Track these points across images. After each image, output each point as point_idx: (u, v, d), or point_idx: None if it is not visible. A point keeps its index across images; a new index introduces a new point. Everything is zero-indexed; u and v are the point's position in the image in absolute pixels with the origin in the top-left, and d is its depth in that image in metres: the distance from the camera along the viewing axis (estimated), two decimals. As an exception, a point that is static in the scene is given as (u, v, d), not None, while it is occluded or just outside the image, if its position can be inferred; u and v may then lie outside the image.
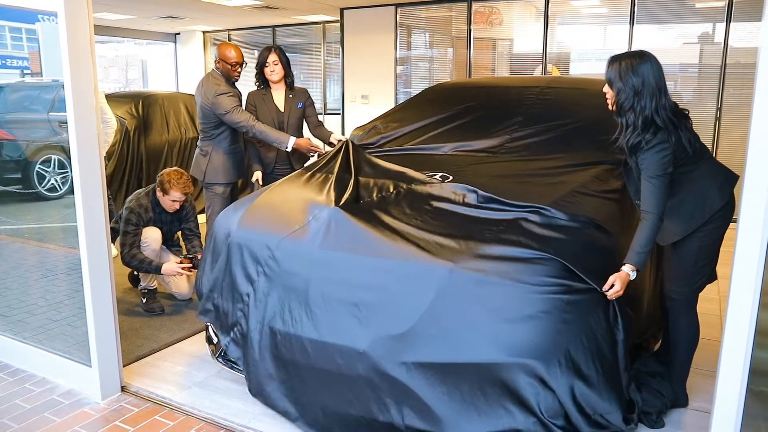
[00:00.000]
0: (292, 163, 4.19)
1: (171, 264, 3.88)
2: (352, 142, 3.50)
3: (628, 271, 2.33)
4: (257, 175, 4.13)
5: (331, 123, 8.65)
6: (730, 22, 6.63)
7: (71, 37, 2.61)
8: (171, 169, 3.98)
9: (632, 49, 2.38)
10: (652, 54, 2.39)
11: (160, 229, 4.05)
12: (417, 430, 2.30)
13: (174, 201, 3.94)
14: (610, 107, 2.50)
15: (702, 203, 2.46)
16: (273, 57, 4.10)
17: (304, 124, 4.33)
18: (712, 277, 2.63)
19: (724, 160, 2.78)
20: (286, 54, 4.25)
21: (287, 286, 2.56)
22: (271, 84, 4.18)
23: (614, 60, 2.42)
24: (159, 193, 3.94)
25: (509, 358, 2.20)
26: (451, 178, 2.93)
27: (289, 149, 3.94)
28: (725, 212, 2.50)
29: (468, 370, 2.24)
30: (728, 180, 2.52)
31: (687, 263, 2.55)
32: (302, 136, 4.28)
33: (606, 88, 2.46)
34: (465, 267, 2.29)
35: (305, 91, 4.36)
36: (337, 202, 2.73)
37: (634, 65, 2.36)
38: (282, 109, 4.19)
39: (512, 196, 2.62)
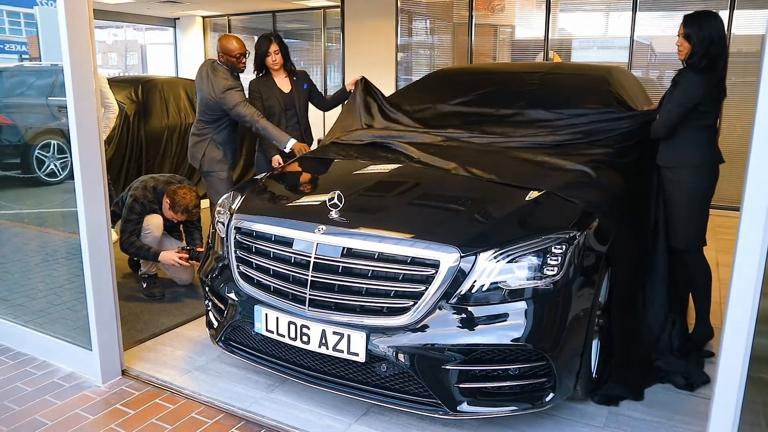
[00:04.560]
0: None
1: (169, 252, 3.89)
2: (365, 80, 3.98)
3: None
4: (277, 158, 4.10)
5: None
6: (733, 9, 6.59)
7: (70, 20, 2.59)
8: (188, 193, 3.91)
9: (700, 9, 3.09)
10: (719, 14, 3.01)
11: (163, 218, 4.04)
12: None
13: (176, 218, 3.97)
14: (682, 57, 3.06)
15: (706, 145, 3.03)
16: (274, 47, 4.11)
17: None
18: (703, 238, 3.15)
19: (726, 148, 2.98)
20: (284, 41, 4.25)
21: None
22: (272, 71, 4.18)
23: (692, 18, 2.99)
24: (165, 202, 3.93)
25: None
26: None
27: (287, 150, 3.91)
28: (711, 172, 3.04)
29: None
30: (719, 155, 3.08)
31: (681, 212, 3.07)
32: (308, 123, 4.35)
33: (680, 41, 3.03)
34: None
35: (306, 73, 4.40)
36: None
37: (710, 20, 2.95)
38: (287, 93, 4.18)
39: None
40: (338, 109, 4.28)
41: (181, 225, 4.21)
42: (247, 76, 4.27)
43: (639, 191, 3.14)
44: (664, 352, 3.04)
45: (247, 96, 4.18)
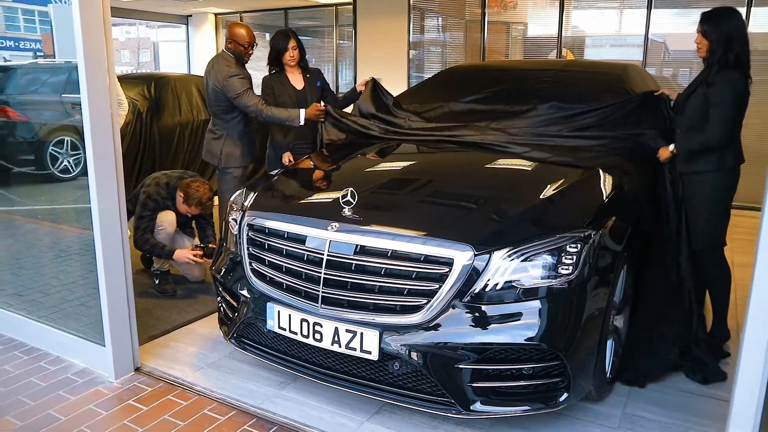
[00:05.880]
0: (315, 141, 4.19)
1: (183, 251, 3.90)
2: (375, 81, 4.01)
3: (671, 148, 3.05)
4: (287, 156, 4.10)
5: (343, 107, 8.60)
6: (751, 6, 6.51)
7: (85, 17, 2.59)
8: (201, 186, 3.92)
9: (719, 6, 3.05)
10: (738, 11, 3.00)
11: (176, 213, 4.05)
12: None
13: (189, 211, 3.98)
14: (702, 54, 3.03)
15: (731, 147, 2.97)
16: (292, 43, 4.10)
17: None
18: (723, 239, 3.12)
19: (744, 148, 2.96)
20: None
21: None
22: (286, 68, 4.17)
23: (709, 14, 2.98)
24: (179, 196, 3.94)
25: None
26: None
27: (302, 122, 3.94)
28: (734, 174, 3.03)
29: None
30: (741, 156, 3.04)
31: (702, 213, 3.04)
32: None
33: (699, 38, 3.01)
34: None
35: (319, 71, 4.40)
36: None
37: (728, 17, 2.94)
38: (300, 89, 4.18)
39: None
40: (348, 110, 4.27)
41: (194, 221, 4.22)
42: (255, 72, 4.25)
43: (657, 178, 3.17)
44: (686, 342, 3.01)
45: (260, 92, 4.18)
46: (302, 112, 3.94)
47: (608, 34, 7.96)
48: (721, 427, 2.43)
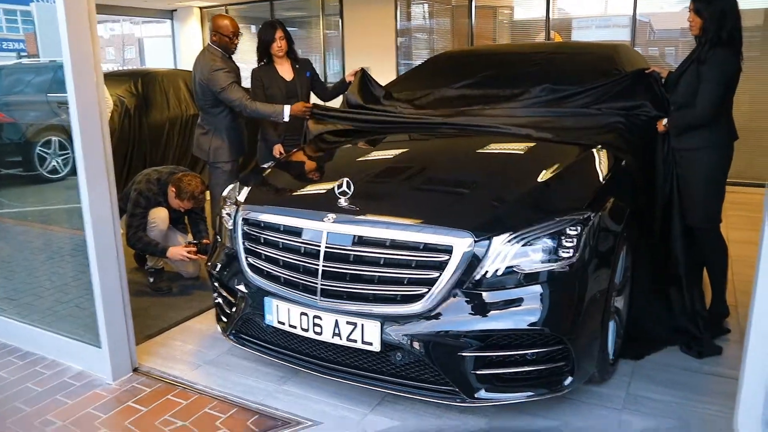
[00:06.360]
0: (304, 133, 4.15)
1: (177, 248, 3.85)
2: (364, 71, 4.00)
3: (664, 122, 3.08)
4: (278, 148, 4.06)
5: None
6: (737, -18, 6.49)
7: (70, 14, 2.53)
8: (193, 180, 3.86)
9: None
10: None
11: (168, 209, 4.00)
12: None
13: (182, 206, 3.92)
14: (694, 32, 3.00)
15: (725, 124, 2.99)
16: (280, 33, 4.05)
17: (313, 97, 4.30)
18: (718, 215, 3.08)
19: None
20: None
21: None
22: (275, 59, 4.12)
23: None
24: (171, 191, 3.88)
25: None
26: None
27: (286, 119, 3.87)
28: (728, 150, 3.02)
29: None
30: (734, 132, 3.05)
31: (698, 190, 3.02)
32: None
33: (691, 16, 2.97)
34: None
35: (309, 61, 4.36)
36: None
37: None
38: (289, 80, 4.13)
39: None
40: (338, 100, 4.22)
41: (186, 216, 4.18)
42: (243, 64, 4.20)
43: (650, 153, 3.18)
44: (680, 317, 3.04)
45: (250, 84, 4.13)
46: (287, 108, 3.86)
47: (595, 15, 7.93)
48: (725, 404, 2.43)
